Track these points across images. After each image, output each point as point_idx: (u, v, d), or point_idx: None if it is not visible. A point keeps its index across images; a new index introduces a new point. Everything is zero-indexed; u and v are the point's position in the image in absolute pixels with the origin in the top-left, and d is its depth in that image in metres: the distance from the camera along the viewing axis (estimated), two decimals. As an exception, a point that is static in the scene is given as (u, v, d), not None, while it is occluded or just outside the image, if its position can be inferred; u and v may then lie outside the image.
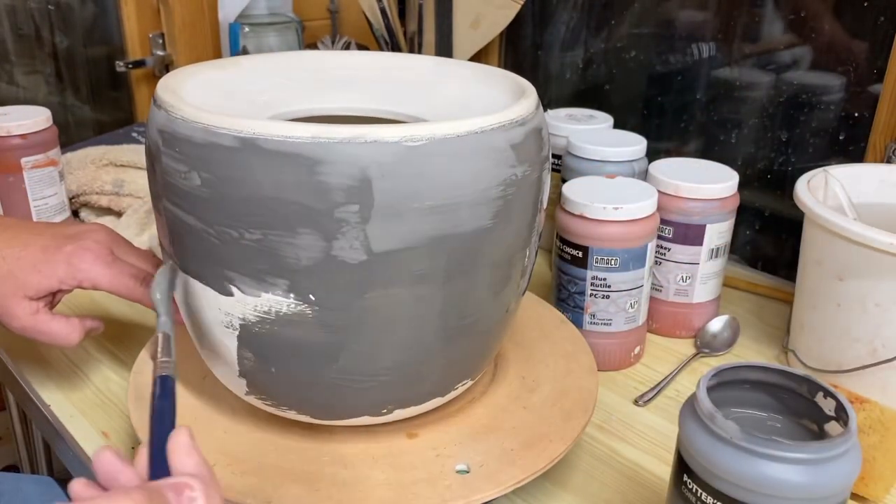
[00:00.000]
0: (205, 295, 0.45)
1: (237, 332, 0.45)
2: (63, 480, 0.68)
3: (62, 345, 0.55)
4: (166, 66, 1.17)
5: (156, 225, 0.50)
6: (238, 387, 0.49)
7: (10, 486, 0.64)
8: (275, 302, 0.43)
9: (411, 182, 0.40)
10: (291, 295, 0.43)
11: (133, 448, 0.56)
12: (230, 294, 0.44)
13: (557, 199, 0.65)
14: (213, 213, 0.42)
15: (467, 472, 0.47)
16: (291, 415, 0.49)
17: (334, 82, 0.58)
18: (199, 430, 0.49)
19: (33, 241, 0.54)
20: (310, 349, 0.45)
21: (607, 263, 0.62)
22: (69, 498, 0.32)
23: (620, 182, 0.66)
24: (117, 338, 0.69)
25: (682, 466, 0.40)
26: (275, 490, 0.45)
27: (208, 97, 0.50)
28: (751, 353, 0.70)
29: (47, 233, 0.56)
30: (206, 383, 0.54)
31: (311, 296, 0.42)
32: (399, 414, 0.49)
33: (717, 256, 0.69)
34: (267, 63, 0.57)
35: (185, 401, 0.53)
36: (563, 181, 0.72)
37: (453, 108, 0.55)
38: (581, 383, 0.56)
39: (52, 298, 0.55)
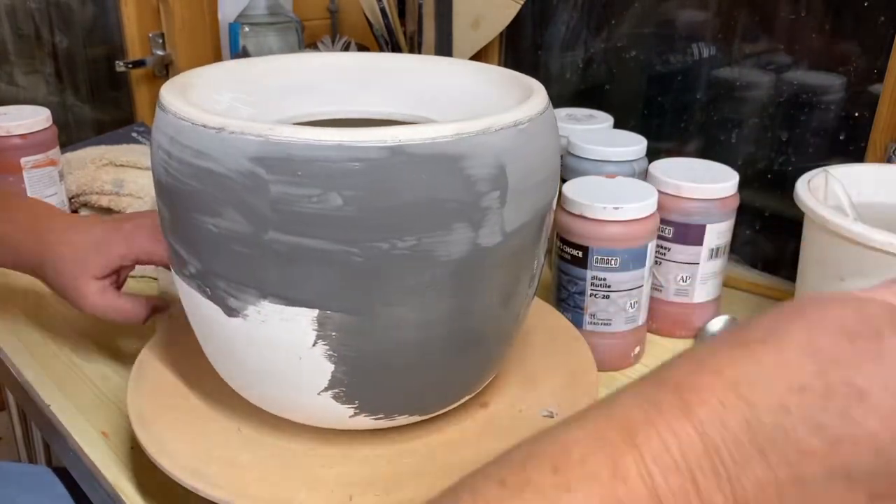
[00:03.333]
0: (298, 324, 0.43)
1: (334, 354, 0.44)
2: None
3: (130, 321, 0.59)
4: (166, 66, 1.17)
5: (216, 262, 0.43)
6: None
7: (13, 477, 0.65)
8: (410, 308, 0.43)
9: (527, 161, 0.44)
10: (431, 295, 0.42)
11: (132, 448, 0.56)
12: (359, 313, 0.42)
13: (558, 199, 0.65)
14: (357, 230, 0.40)
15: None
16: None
17: (331, 84, 0.58)
18: (206, 437, 0.49)
19: (94, 226, 0.60)
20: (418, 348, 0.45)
21: (607, 263, 0.62)
22: None
23: (620, 182, 0.66)
24: (117, 338, 0.69)
25: (683, 466, 0.40)
26: (295, 494, 0.45)
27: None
28: (751, 353, 0.70)
29: (106, 219, 0.61)
30: (205, 386, 0.54)
31: (456, 289, 0.43)
32: (439, 410, 0.50)
33: (717, 256, 0.69)
34: (266, 65, 0.56)
35: (187, 402, 0.52)
36: (563, 181, 0.72)
37: (455, 107, 0.55)
38: (582, 375, 0.57)
39: (116, 278, 0.60)
